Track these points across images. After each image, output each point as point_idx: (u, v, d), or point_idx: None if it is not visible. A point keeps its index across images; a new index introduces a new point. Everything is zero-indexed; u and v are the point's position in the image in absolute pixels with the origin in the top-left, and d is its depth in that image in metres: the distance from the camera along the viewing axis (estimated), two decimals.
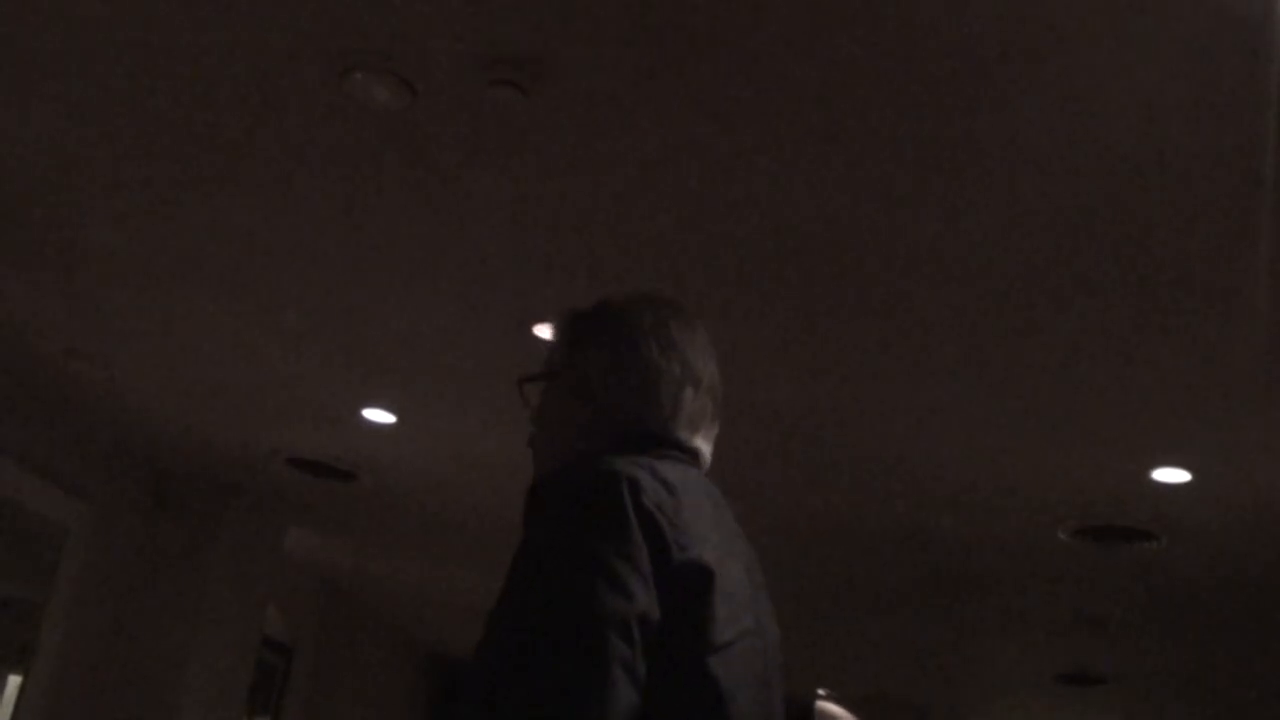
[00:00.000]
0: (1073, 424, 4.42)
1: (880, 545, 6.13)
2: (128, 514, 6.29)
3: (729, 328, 4.00)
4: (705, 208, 3.36)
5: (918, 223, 3.30)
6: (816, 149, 3.04)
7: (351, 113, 3.11)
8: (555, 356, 1.78)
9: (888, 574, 6.64)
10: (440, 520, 6.70)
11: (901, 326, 3.87)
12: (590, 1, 2.63)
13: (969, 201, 3.18)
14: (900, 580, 6.74)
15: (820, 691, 10.67)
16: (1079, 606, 6.82)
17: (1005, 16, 2.52)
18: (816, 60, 2.73)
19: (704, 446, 1.73)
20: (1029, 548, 5.83)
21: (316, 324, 4.41)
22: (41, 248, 4.10)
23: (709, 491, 1.65)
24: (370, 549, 7.74)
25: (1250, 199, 3.00)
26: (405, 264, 3.89)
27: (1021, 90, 2.73)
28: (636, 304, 1.78)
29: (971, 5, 2.50)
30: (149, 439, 5.97)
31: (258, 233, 3.81)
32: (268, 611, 7.10)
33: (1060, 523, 5.41)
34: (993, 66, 2.67)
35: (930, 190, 3.15)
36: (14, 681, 5.69)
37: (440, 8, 2.70)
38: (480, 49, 2.81)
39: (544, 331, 4.18)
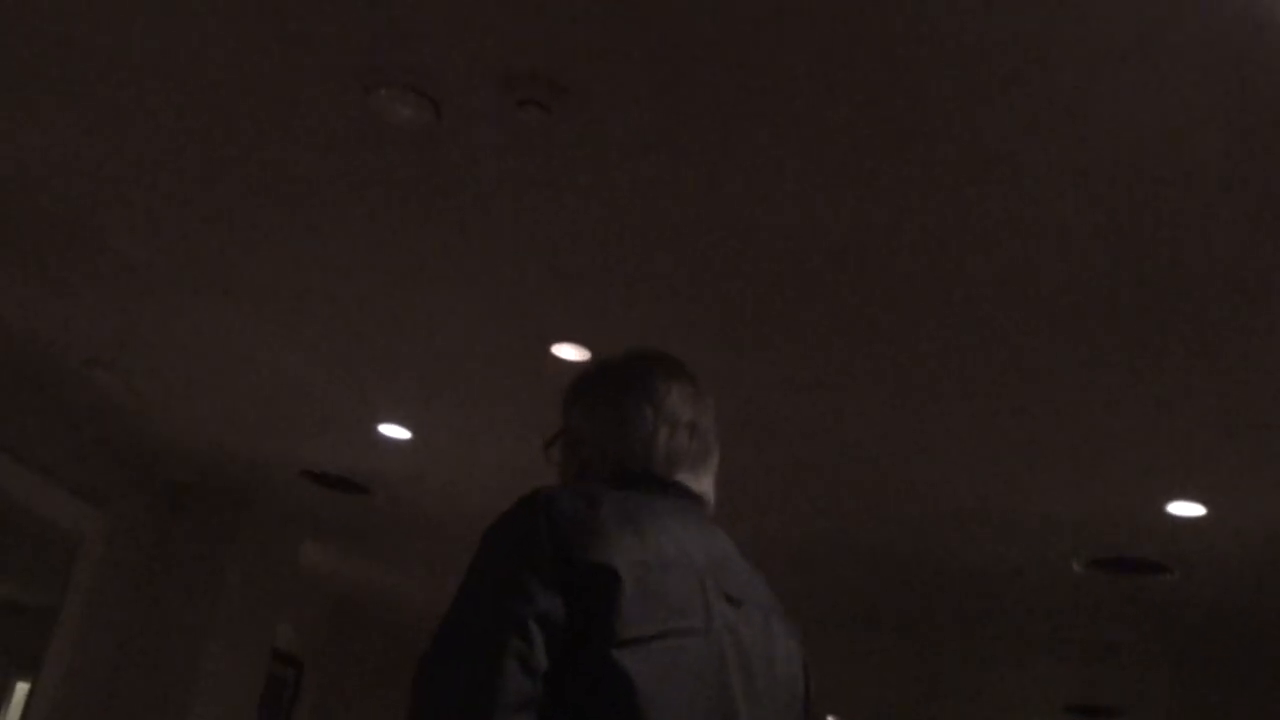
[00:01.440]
0: (1088, 456, 4.40)
1: (893, 572, 6.11)
2: (142, 523, 6.31)
3: (744, 350, 4.00)
4: (726, 228, 3.36)
5: (935, 248, 3.30)
6: (836, 171, 3.05)
7: (375, 130, 3.12)
8: (562, 420, 1.99)
9: (900, 600, 6.62)
10: (453, 536, 6.69)
11: (916, 354, 3.87)
12: (614, 21, 2.64)
13: (986, 228, 3.18)
14: (913, 607, 6.72)
15: (830, 718, 10.62)
16: (1091, 637, 6.79)
17: (1023, 27, 2.52)
18: (842, 81, 2.73)
19: (690, 482, 1.87)
20: (1042, 578, 5.81)
21: (334, 338, 4.42)
22: (63, 258, 4.12)
23: (684, 517, 1.78)
24: (383, 563, 7.74)
25: (1271, 226, 2.99)
26: (424, 280, 3.90)
27: (1040, 107, 2.73)
28: (615, 361, 1.98)
29: (989, 17, 2.50)
30: (165, 449, 5.98)
31: (278, 247, 3.83)
32: (279, 624, 7.10)
33: (1074, 554, 5.39)
34: (1012, 81, 2.67)
35: (948, 214, 3.15)
36: (22, 688, 5.70)
37: (465, 27, 2.71)
38: (504, 68, 2.83)
39: (561, 350, 4.19)
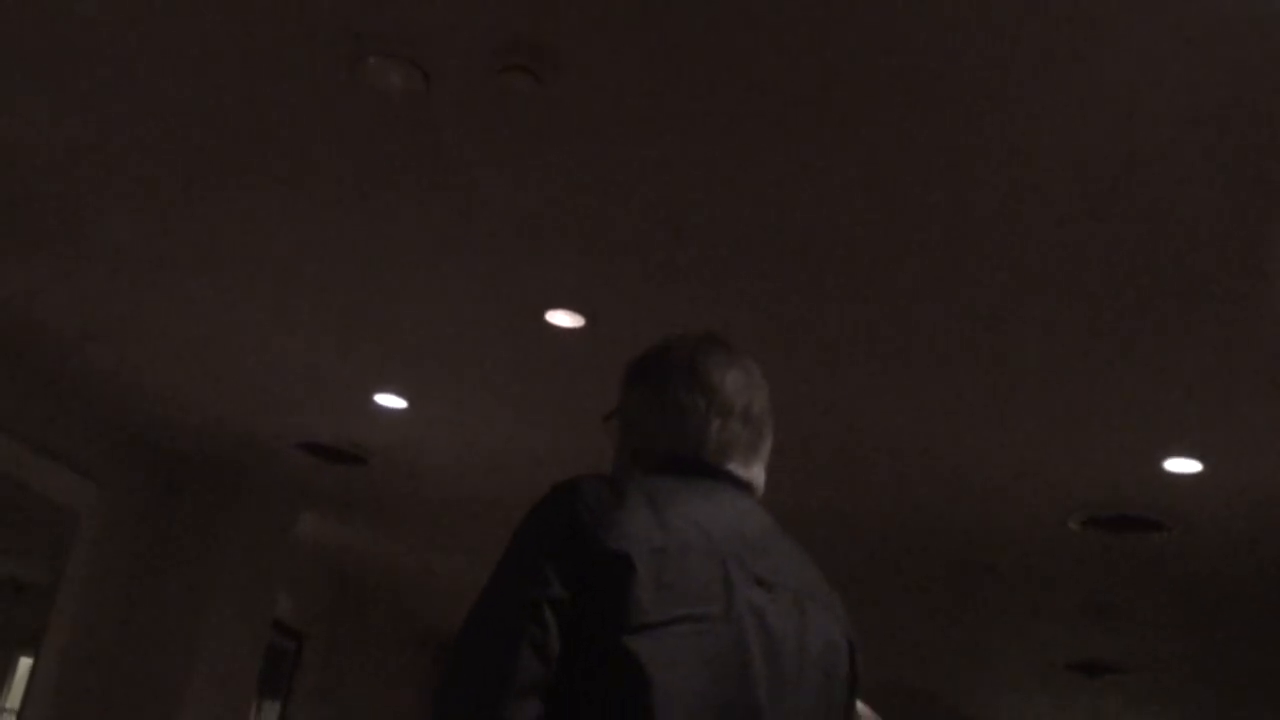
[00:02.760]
0: (1084, 414, 4.41)
1: (891, 535, 6.13)
2: (139, 498, 6.31)
3: (741, 320, 4.00)
4: (716, 198, 3.36)
5: (928, 216, 3.30)
6: (828, 144, 3.04)
7: (366, 99, 3.11)
8: (619, 397, 2.01)
9: (899, 564, 6.64)
10: (451, 505, 6.71)
11: (912, 318, 3.87)
12: None
13: (979, 196, 3.18)
14: (911, 570, 6.74)
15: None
16: (1089, 596, 6.81)
17: (1014, 18, 2.51)
18: (831, 56, 2.72)
19: (739, 470, 1.89)
20: (1039, 538, 5.82)
21: (329, 309, 4.42)
22: (57, 235, 4.11)
23: (718, 499, 1.80)
24: (381, 534, 7.76)
25: (1264, 187, 2.99)
26: (418, 250, 3.89)
27: (1031, 89, 2.73)
28: (674, 345, 1.98)
29: (980, 7, 2.50)
30: (161, 423, 5.98)
31: (271, 219, 3.82)
32: (278, 596, 7.12)
33: (1071, 513, 5.40)
34: (1004, 68, 2.67)
35: (940, 185, 3.15)
36: (25, 664, 5.72)
37: None
38: (495, 36, 2.82)
39: (555, 317, 4.19)
